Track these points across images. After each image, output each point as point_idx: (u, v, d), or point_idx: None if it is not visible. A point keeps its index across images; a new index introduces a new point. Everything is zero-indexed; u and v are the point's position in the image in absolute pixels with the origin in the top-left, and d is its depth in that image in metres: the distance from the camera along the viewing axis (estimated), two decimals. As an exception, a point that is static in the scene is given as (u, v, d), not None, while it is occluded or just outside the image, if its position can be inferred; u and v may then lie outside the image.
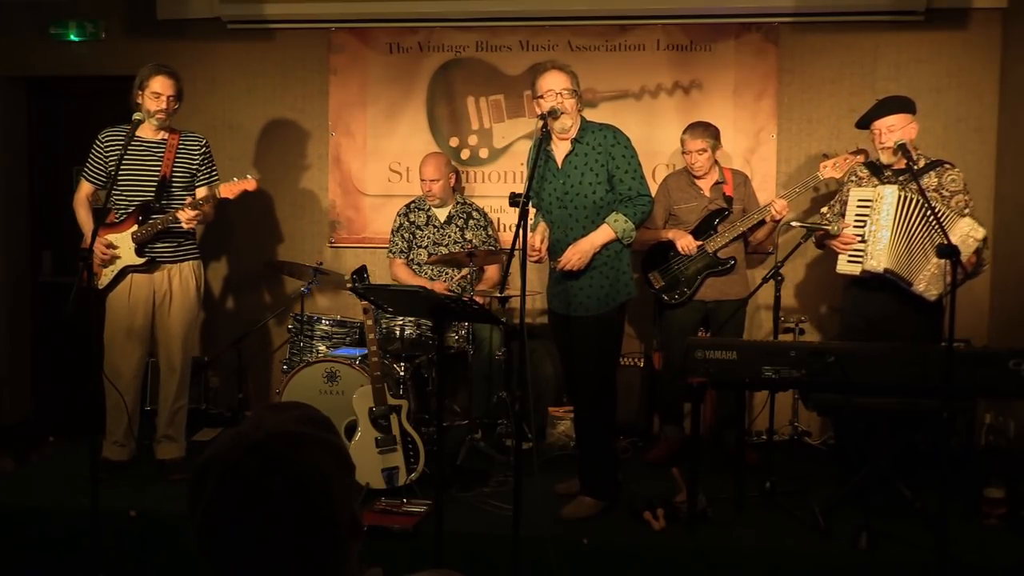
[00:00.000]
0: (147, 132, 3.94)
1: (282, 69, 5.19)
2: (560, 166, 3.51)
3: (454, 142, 5.11)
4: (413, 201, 4.79)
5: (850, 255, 3.84)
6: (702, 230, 4.24)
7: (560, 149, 3.52)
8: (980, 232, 3.66)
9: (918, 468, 3.62)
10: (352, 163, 5.18)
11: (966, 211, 3.75)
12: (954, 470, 3.39)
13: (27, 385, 5.55)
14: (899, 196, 3.71)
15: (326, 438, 1.15)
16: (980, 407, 4.22)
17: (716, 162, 4.31)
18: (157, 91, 3.87)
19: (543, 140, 3.45)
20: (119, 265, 3.89)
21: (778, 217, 4.12)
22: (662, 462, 4.12)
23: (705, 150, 4.21)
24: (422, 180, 4.65)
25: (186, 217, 3.87)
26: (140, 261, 3.89)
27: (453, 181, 4.75)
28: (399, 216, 4.76)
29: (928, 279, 3.72)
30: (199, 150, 4.05)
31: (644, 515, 3.43)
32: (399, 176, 5.14)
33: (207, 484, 1.08)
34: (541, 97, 3.46)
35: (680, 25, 4.88)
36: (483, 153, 5.11)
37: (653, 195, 3.60)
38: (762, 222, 4.24)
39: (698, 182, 4.31)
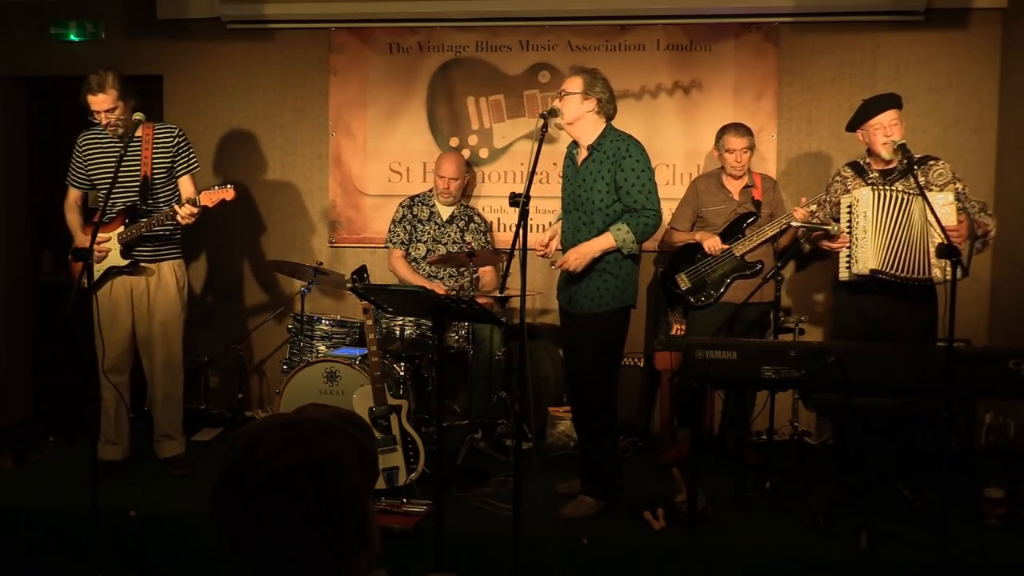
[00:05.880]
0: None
1: (282, 69, 5.19)
2: (578, 170, 3.58)
3: (454, 142, 5.11)
4: (418, 195, 4.80)
5: (846, 262, 3.81)
6: (730, 233, 4.19)
7: (582, 154, 3.59)
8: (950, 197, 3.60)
9: (918, 468, 3.62)
10: (352, 163, 5.18)
11: (963, 194, 3.72)
12: (954, 470, 3.38)
13: (27, 385, 5.55)
14: (874, 196, 3.70)
15: (355, 435, 1.20)
16: (980, 407, 4.22)
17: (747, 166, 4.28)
18: (95, 110, 3.80)
19: (573, 143, 3.61)
20: (104, 265, 3.86)
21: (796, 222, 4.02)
22: (679, 463, 4.08)
23: (748, 149, 4.20)
24: (440, 176, 4.66)
25: (185, 212, 3.79)
26: (124, 263, 3.85)
27: (466, 183, 4.76)
28: (402, 207, 4.77)
29: (932, 265, 3.68)
30: (173, 141, 3.96)
31: (644, 515, 3.43)
32: (399, 176, 5.14)
33: (235, 448, 1.15)
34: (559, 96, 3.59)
35: (680, 25, 4.88)
36: (483, 153, 5.11)
37: (660, 208, 3.54)
38: (789, 227, 4.16)
39: (728, 185, 4.28)
